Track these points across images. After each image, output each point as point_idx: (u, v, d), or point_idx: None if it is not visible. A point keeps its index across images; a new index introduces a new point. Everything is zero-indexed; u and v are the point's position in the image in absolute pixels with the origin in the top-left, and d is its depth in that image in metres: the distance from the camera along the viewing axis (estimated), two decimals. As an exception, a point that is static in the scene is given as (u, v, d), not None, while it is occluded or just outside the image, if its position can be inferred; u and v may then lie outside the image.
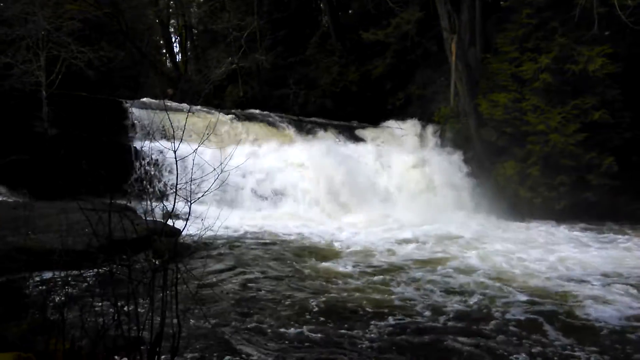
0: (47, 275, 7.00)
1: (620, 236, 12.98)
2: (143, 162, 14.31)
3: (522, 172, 15.54)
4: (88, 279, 5.66)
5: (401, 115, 20.33)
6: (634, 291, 8.03)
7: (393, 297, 7.65)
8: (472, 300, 7.50)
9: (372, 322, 6.58)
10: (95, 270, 5.25)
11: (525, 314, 6.97)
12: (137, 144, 14.68)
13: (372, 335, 6.19)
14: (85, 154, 8.65)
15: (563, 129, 14.57)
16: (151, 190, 13.59)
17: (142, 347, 4.08)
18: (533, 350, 5.80)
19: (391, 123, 19.83)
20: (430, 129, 18.99)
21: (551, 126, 14.71)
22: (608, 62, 14.16)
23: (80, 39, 15.86)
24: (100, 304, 4.22)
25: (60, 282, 5.38)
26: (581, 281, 8.67)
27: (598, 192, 14.72)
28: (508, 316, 6.86)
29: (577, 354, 5.76)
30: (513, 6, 16.55)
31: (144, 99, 17.66)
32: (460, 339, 6.04)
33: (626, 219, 14.54)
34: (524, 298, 7.65)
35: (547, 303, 7.42)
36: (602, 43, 14.39)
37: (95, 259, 4.50)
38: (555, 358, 5.67)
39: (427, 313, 6.96)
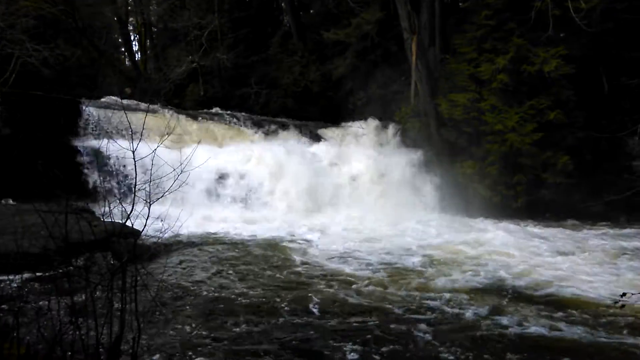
0: (1, 278, 6.83)
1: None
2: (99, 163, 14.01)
3: (481, 171, 15.81)
4: (44, 282, 5.55)
5: (362, 114, 20.43)
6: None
7: (354, 296, 7.70)
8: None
9: (337, 321, 6.61)
10: (52, 273, 5.14)
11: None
12: (94, 144, 14.37)
13: (339, 334, 6.20)
14: (39, 155, 8.44)
15: (520, 128, 14.89)
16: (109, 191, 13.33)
17: (100, 351, 4.01)
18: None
19: (352, 123, 19.92)
20: (391, 128, 19.12)
21: (508, 126, 15.00)
22: (562, 63, 14.51)
23: (35, 37, 15.49)
24: (56, 307, 4.13)
25: (15, 286, 5.25)
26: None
27: (554, 190, 15.10)
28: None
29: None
30: (472, 8, 16.84)
31: (104, 99, 17.34)
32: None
33: (581, 215, 15.02)
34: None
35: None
36: (557, 45, 14.74)
37: (52, 262, 4.41)
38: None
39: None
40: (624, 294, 3.83)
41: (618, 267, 9.79)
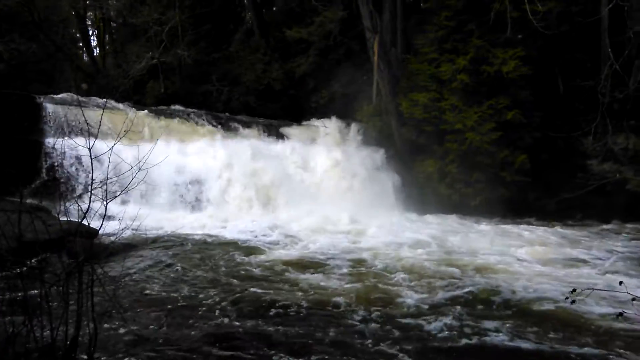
0: (-48, 279, 6.63)
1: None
2: (55, 161, 13.67)
3: (441, 170, 16.06)
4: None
5: (325, 113, 20.46)
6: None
7: (309, 300, 7.72)
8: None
9: (299, 317, 6.65)
10: (5, 273, 5.01)
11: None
12: (50, 141, 14.00)
13: (300, 330, 6.23)
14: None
15: (479, 128, 15.15)
16: (66, 189, 13.06)
17: (56, 352, 3.93)
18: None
19: (315, 121, 19.94)
20: (353, 127, 19.20)
21: (468, 125, 15.26)
22: (520, 64, 14.83)
23: (-12, 30, 15.05)
24: (10, 308, 4.04)
25: (-35, 287, 5.11)
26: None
27: (511, 189, 15.42)
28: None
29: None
30: (432, 8, 17.04)
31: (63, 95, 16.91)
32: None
33: (537, 213, 15.42)
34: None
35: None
36: (515, 46, 15.06)
37: (4, 262, 4.30)
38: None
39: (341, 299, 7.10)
40: (573, 290, 3.93)
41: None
